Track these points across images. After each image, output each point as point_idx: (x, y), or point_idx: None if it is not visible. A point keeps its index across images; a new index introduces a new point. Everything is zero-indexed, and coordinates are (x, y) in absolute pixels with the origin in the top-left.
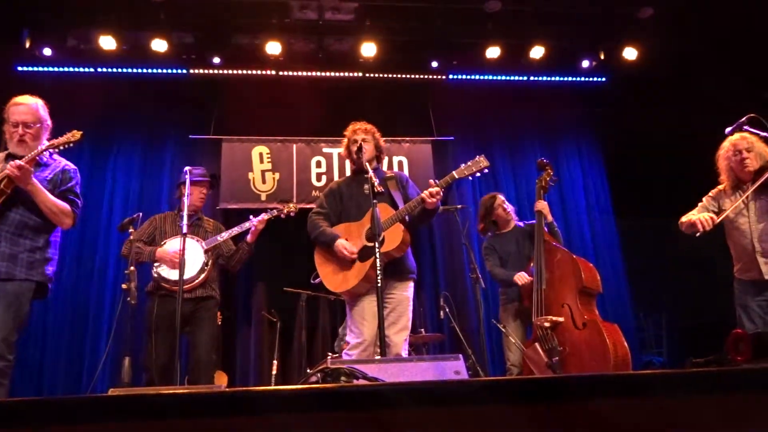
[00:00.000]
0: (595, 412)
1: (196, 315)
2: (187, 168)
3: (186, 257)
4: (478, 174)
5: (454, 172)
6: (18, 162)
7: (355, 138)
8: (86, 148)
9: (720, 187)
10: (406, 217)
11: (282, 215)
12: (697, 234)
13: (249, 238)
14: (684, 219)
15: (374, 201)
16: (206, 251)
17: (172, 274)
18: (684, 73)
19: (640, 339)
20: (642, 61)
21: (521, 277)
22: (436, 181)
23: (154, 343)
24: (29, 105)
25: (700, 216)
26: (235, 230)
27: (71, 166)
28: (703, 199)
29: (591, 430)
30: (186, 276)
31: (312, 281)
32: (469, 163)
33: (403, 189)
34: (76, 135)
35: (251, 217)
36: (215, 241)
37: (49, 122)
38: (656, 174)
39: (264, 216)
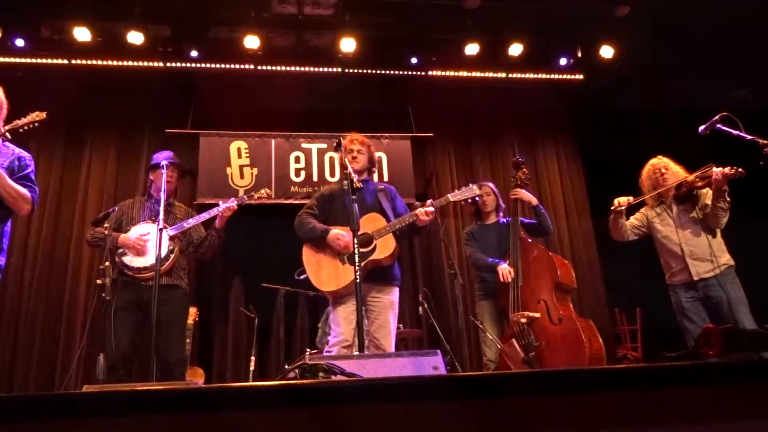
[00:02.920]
0: (569, 404)
1: (162, 306)
2: (163, 163)
3: (149, 244)
4: (470, 200)
5: (449, 196)
6: None
7: (351, 148)
8: (60, 142)
9: (647, 207)
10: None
11: (253, 201)
12: (616, 211)
13: (217, 223)
14: (611, 218)
15: (353, 197)
16: (172, 238)
17: (135, 262)
18: (660, 72)
19: (614, 334)
20: (618, 59)
21: (504, 270)
22: (432, 201)
23: (114, 329)
24: None
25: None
26: (204, 216)
27: (25, 153)
28: (635, 215)
29: (564, 423)
30: (148, 263)
31: (297, 277)
32: (463, 189)
33: (392, 201)
34: (40, 115)
35: (221, 202)
36: (181, 227)
37: (5, 108)
38: (633, 171)
39: (232, 203)
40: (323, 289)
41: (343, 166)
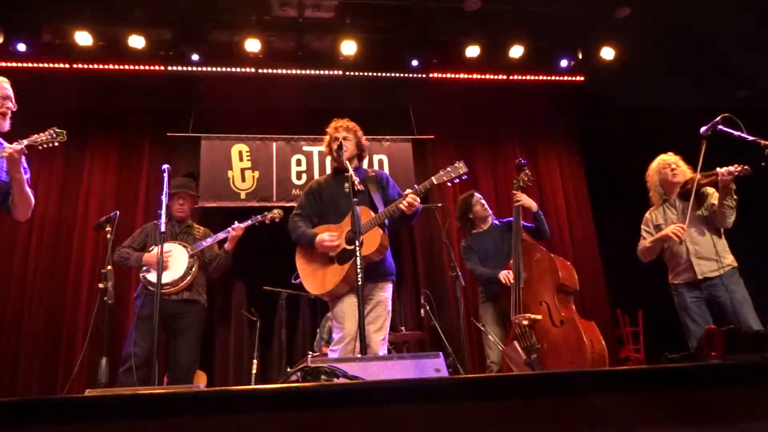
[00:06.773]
0: (571, 406)
1: (181, 318)
2: (165, 166)
3: (172, 261)
4: (457, 180)
5: (433, 178)
6: (17, 146)
7: (336, 136)
8: (62, 146)
9: (650, 210)
10: (385, 221)
11: (267, 221)
12: (679, 244)
13: (227, 245)
14: (647, 245)
15: (354, 200)
16: (191, 255)
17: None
18: (660, 73)
19: (617, 336)
20: (619, 61)
21: (505, 276)
22: (416, 186)
23: (138, 334)
24: (6, 81)
25: (669, 229)
26: (221, 235)
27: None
28: (642, 228)
29: (566, 425)
30: (171, 278)
31: (293, 281)
32: (448, 169)
33: (383, 189)
34: (61, 135)
35: (236, 222)
36: (200, 246)
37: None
38: (633, 172)
39: (244, 224)
40: (314, 293)
41: (344, 169)
